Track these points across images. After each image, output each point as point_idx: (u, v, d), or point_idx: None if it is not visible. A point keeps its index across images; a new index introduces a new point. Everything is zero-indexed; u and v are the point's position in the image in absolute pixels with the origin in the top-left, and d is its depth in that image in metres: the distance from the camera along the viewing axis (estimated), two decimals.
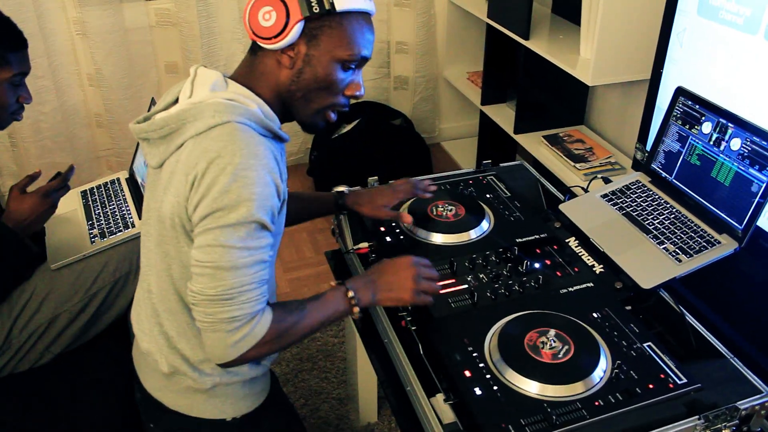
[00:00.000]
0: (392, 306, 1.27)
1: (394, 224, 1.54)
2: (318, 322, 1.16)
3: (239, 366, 1.19)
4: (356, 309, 1.19)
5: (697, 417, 1.06)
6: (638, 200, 1.59)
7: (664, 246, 1.44)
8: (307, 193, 1.53)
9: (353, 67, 1.16)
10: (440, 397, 1.12)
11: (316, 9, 1.07)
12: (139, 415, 1.59)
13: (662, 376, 1.13)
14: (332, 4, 1.08)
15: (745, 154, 1.38)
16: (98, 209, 1.89)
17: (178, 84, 1.19)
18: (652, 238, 1.47)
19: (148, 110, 1.95)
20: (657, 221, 1.51)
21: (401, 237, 1.50)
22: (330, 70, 1.13)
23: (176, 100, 1.16)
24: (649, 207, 1.56)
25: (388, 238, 1.49)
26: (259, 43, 1.11)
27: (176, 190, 1.06)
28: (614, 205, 1.60)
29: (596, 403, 1.08)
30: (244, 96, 1.11)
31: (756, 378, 1.15)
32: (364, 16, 1.14)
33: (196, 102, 1.08)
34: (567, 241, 1.50)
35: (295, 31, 1.08)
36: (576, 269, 1.41)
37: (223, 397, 1.23)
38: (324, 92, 1.15)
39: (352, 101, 1.22)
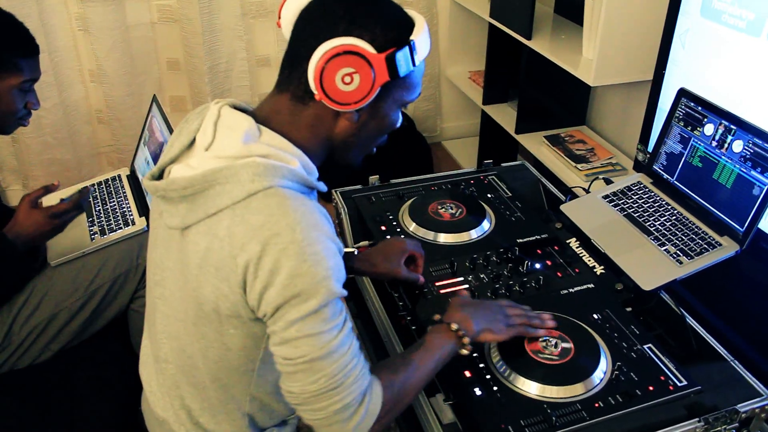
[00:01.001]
0: (488, 342, 1.18)
1: (395, 223, 1.53)
2: (430, 370, 1.05)
3: (270, 430, 1.13)
4: (466, 340, 1.09)
5: (696, 419, 1.06)
6: (639, 201, 1.58)
7: (665, 248, 1.44)
8: None
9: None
10: (440, 397, 1.12)
11: (403, 70, 0.95)
12: (137, 411, 1.59)
13: (662, 378, 1.13)
14: (414, 60, 0.97)
15: (747, 156, 1.37)
16: (99, 206, 1.89)
17: (192, 116, 1.04)
18: (653, 240, 1.47)
19: (149, 108, 1.96)
20: (658, 223, 1.51)
21: (402, 237, 1.49)
22: (394, 117, 1.04)
23: (192, 141, 1.01)
24: (651, 208, 1.56)
25: (388, 237, 1.49)
26: (329, 105, 0.95)
27: (220, 274, 0.92)
28: (615, 206, 1.59)
29: (596, 405, 1.08)
30: (282, 150, 0.96)
31: (756, 381, 1.15)
32: None
33: (227, 158, 0.93)
34: (568, 241, 1.50)
35: (376, 93, 0.95)
36: (577, 270, 1.41)
37: None
38: (381, 136, 1.07)
39: None
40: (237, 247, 0.89)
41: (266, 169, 0.91)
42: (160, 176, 1.03)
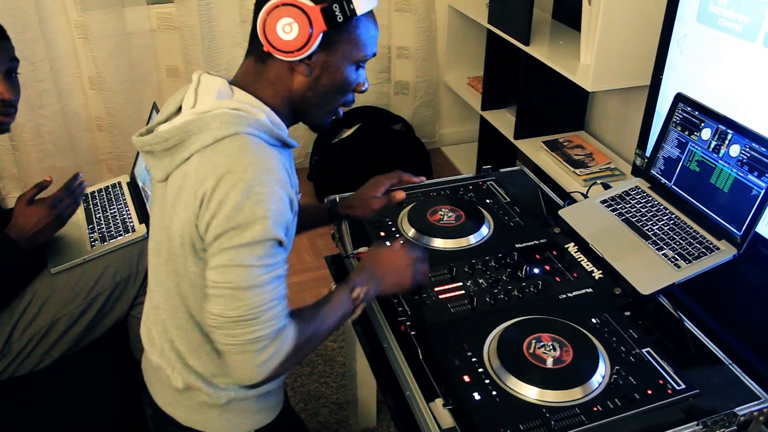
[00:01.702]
0: (391, 293, 1.28)
1: (393, 229, 1.54)
2: (332, 325, 1.14)
3: None
4: (363, 305, 1.18)
5: (695, 423, 1.06)
6: (638, 206, 1.59)
7: (663, 252, 1.45)
8: (300, 205, 1.50)
9: (363, 65, 1.15)
10: (439, 402, 1.12)
11: (340, 19, 1.04)
12: (139, 418, 1.59)
13: (661, 381, 1.13)
14: (353, 12, 1.05)
15: (744, 160, 1.38)
16: (99, 213, 1.90)
17: (180, 91, 1.15)
18: (651, 244, 1.47)
19: (149, 116, 1.97)
20: (656, 227, 1.51)
21: (401, 242, 1.50)
22: (347, 73, 1.11)
23: (179, 109, 1.12)
24: (649, 213, 1.56)
25: (388, 243, 1.49)
26: (276, 55, 1.06)
27: (185, 208, 1.02)
28: (614, 210, 1.60)
29: (595, 409, 1.08)
30: (251, 105, 1.07)
31: (754, 384, 1.15)
32: (371, 14, 1.12)
33: (201, 112, 1.04)
34: (566, 246, 1.51)
35: (317, 42, 1.04)
36: (575, 275, 1.41)
37: (237, 412, 1.20)
38: (339, 94, 1.14)
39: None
40: (199, 182, 1.00)
41: (233, 117, 1.02)
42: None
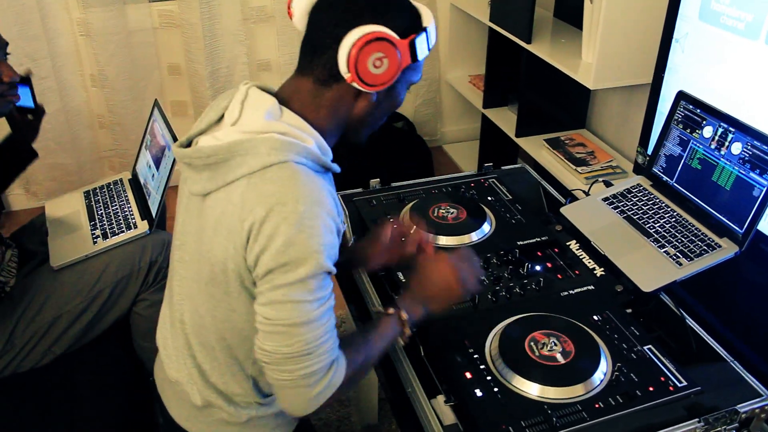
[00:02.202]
0: (443, 310, 1.22)
1: (395, 226, 1.54)
2: (380, 352, 1.13)
3: (275, 397, 1.17)
4: (407, 331, 1.16)
5: (697, 420, 1.06)
6: (639, 204, 1.59)
7: (664, 249, 1.45)
8: None
9: None
10: (441, 398, 1.12)
11: (422, 54, 1.05)
12: (140, 416, 1.60)
13: (662, 378, 1.13)
14: (429, 45, 1.07)
15: (746, 158, 1.38)
16: (101, 210, 1.90)
17: (222, 97, 1.11)
18: (652, 242, 1.48)
19: (150, 113, 1.97)
20: (658, 225, 1.52)
21: (402, 239, 1.50)
22: (403, 96, 1.14)
23: (220, 118, 1.09)
24: (650, 210, 1.56)
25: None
26: (357, 86, 1.02)
27: (230, 236, 0.99)
28: (615, 208, 1.60)
29: (596, 406, 1.08)
30: (300, 129, 1.03)
31: (756, 381, 1.16)
32: None
33: (249, 132, 1.01)
34: (568, 244, 1.51)
35: (397, 75, 1.04)
36: (577, 272, 1.41)
37: (256, 428, 1.19)
38: (389, 114, 1.17)
39: None
40: (246, 211, 0.97)
41: (283, 144, 0.99)
42: (188, 146, 1.10)
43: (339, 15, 1.02)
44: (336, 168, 1.09)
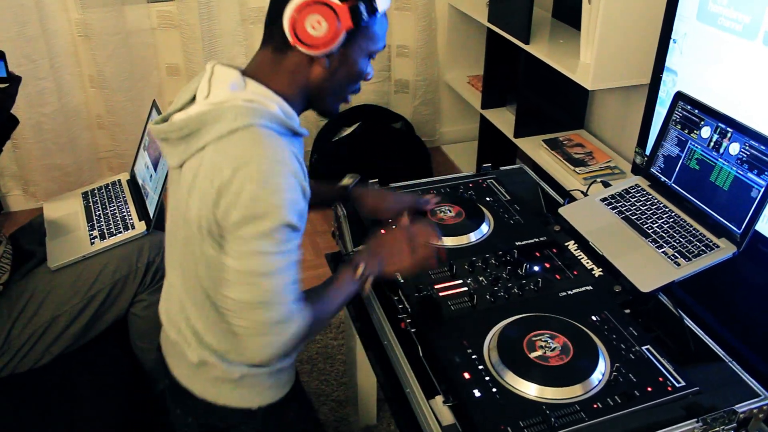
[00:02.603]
0: (393, 273, 1.30)
1: (394, 227, 1.54)
2: (340, 304, 1.21)
3: None
4: (370, 280, 1.24)
5: (695, 420, 1.07)
6: (637, 204, 1.59)
7: (662, 250, 1.45)
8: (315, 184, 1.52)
9: (374, 56, 1.20)
10: (439, 399, 1.12)
11: (365, 18, 1.09)
12: (137, 414, 1.60)
13: (661, 379, 1.13)
14: (376, 10, 1.11)
15: (744, 158, 1.38)
16: (99, 210, 1.90)
17: (194, 81, 1.18)
18: (651, 242, 1.48)
19: (149, 114, 1.97)
20: (656, 225, 1.52)
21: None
22: (363, 66, 1.17)
23: (193, 98, 1.15)
24: (648, 211, 1.56)
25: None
26: (300, 48, 1.09)
27: (202, 196, 1.06)
28: (613, 209, 1.60)
29: (595, 406, 1.08)
30: (263, 96, 1.11)
31: (754, 382, 1.16)
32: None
33: (216, 103, 1.08)
34: (566, 244, 1.51)
35: (342, 38, 1.09)
36: (575, 272, 1.41)
37: (249, 387, 1.25)
38: (351, 84, 1.20)
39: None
40: (215, 172, 1.04)
41: (247, 110, 1.06)
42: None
43: None
44: (304, 131, 1.16)
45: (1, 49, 1.64)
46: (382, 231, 1.42)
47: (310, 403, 1.48)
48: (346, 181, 1.57)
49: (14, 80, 1.66)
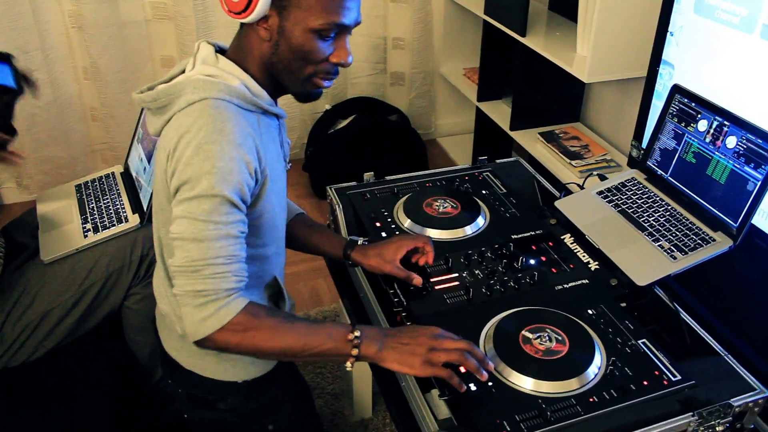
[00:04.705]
0: (396, 371, 1.11)
1: (389, 220, 1.54)
2: (301, 344, 1.07)
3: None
4: (354, 351, 1.08)
5: (691, 413, 1.07)
6: (634, 197, 1.59)
7: (659, 243, 1.44)
8: (325, 229, 1.49)
9: (332, 35, 1.11)
10: (435, 392, 1.12)
11: None
12: (131, 409, 1.59)
13: (656, 372, 1.13)
14: None
15: (741, 152, 1.38)
16: (92, 203, 1.89)
17: (189, 57, 1.22)
18: (647, 236, 1.47)
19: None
20: (652, 218, 1.51)
21: (397, 233, 1.50)
22: (304, 41, 1.10)
23: (182, 72, 1.18)
24: (645, 204, 1.56)
25: (383, 234, 1.49)
26: (228, 16, 1.12)
27: (159, 165, 1.13)
28: (610, 202, 1.60)
29: (591, 400, 1.08)
30: (228, 72, 1.13)
31: (749, 375, 1.16)
32: None
33: (183, 77, 1.12)
34: (562, 237, 1.51)
35: (261, 3, 1.06)
36: (571, 266, 1.41)
37: (232, 361, 1.26)
38: (304, 62, 1.13)
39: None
40: (167, 140, 1.09)
41: (205, 83, 1.09)
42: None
43: None
44: (279, 112, 1.19)
45: (8, 54, 1.61)
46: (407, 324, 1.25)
47: (303, 384, 1.47)
48: (354, 237, 1.45)
49: (16, 92, 1.62)
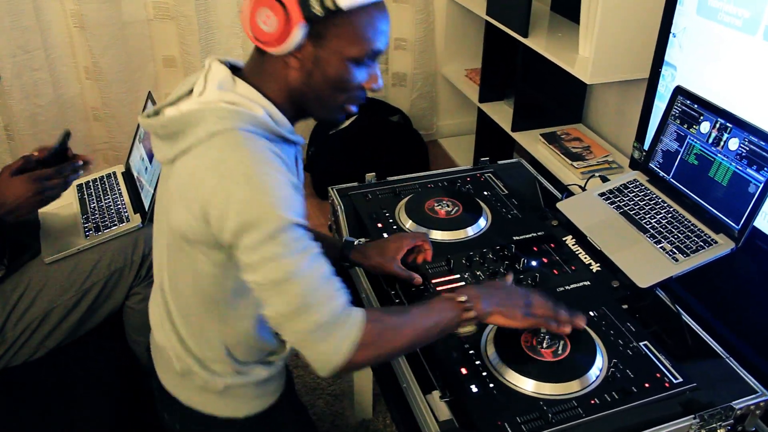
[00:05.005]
0: (501, 325, 1.15)
1: (391, 220, 1.53)
2: (423, 328, 1.06)
3: (252, 367, 1.19)
4: (470, 314, 1.08)
5: (692, 416, 1.06)
6: (636, 199, 1.59)
7: (661, 245, 1.44)
8: (319, 234, 1.40)
9: (367, 63, 1.07)
10: (436, 394, 1.12)
11: (318, 11, 0.98)
12: (132, 409, 1.59)
13: (658, 375, 1.13)
14: (335, 3, 0.99)
15: (743, 154, 1.38)
16: (93, 203, 1.89)
17: (195, 74, 1.13)
18: (649, 237, 1.47)
19: (145, 105, 1.96)
20: (654, 220, 1.51)
21: (406, 233, 1.49)
22: (341, 70, 1.05)
23: (190, 92, 1.10)
24: (647, 206, 1.56)
25: (385, 234, 1.49)
26: (261, 48, 1.04)
27: (186, 204, 1.01)
28: (612, 203, 1.60)
29: (592, 402, 1.08)
30: (250, 99, 1.05)
31: (751, 378, 1.15)
32: (376, 6, 1.04)
33: (202, 103, 1.03)
34: (564, 239, 1.50)
35: (297, 34, 0.99)
36: (573, 267, 1.41)
37: (235, 397, 1.21)
38: (338, 91, 1.08)
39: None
40: (197, 180, 0.98)
41: (229, 113, 1.01)
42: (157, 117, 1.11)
43: None
44: (298, 139, 1.10)
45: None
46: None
47: (301, 408, 1.43)
48: (350, 238, 1.44)
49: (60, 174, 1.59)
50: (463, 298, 1.09)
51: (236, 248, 0.98)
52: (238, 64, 1.13)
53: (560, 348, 1.16)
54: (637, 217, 1.53)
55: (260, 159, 0.98)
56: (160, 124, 1.06)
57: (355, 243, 1.41)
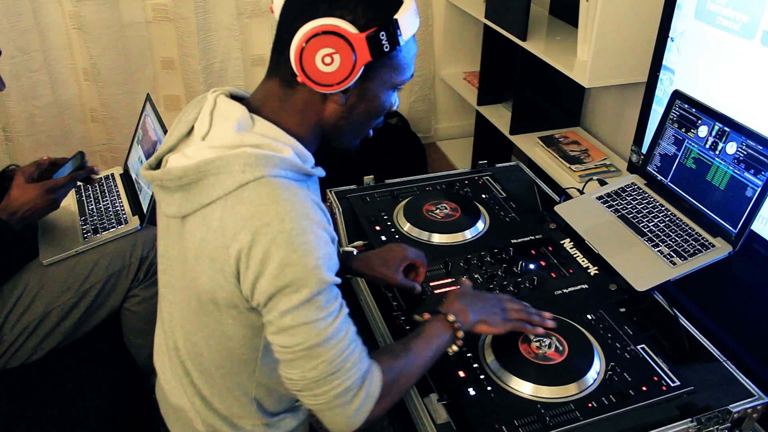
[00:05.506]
0: (485, 333, 1.17)
1: (389, 223, 1.53)
2: (427, 359, 1.06)
3: (282, 417, 1.14)
4: (460, 334, 1.10)
5: (689, 419, 1.07)
6: (633, 202, 1.59)
7: (658, 249, 1.45)
8: None
9: (401, 87, 1.05)
10: (434, 397, 1.12)
11: (386, 49, 0.93)
12: (130, 410, 1.58)
13: (655, 378, 1.13)
14: (399, 39, 0.94)
15: (741, 158, 1.38)
16: (92, 205, 1.88)
17: (190, 107, 1.05)
18: (646, 241, 1.47)
19: (143, 108, 1.96)
20: (652, 224, 1.51)
21: (396, 237, 1.50)
22: (384, 98, 1.02)
23: (190, 130, 1.01)
24: (644, 209, 1.56)
25: (383, 237, 1.49)
26: (312, 87, 0.94)
27: (215, 264, 0.92)
28: (609, 207, 1.60)
29: (589, 405, 1.08)
30: (274, 139, 0.96)
31: (748, 381, 1.16)
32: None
33: (220, 148, 0.94)
34: (562, 242, 1.51)
35: (358, 74, 0.93)
36: (571, 271, 1.41)
37: None
38: (373, 120, 1.05)
39: None
40: (229, 238, 0.90)
41: (257, 159, 0.91)
42: (158, 166, 1.03)
43: (300, 7, 0.94)
44: (320, 172, 1.02)
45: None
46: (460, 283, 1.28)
47: None
48: (348, 248, 1.44)
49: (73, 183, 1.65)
50: (452, 318, 1.11)
51: (266, 309, 0.92)
52: (241, 95, 1.05)
53: (558, 351, 1.16)
54: (634, 221, 1.54)
55: (299, 213, 0.90)
56: (170, 177, 0.95)
57: (354, 252, 1.39)
